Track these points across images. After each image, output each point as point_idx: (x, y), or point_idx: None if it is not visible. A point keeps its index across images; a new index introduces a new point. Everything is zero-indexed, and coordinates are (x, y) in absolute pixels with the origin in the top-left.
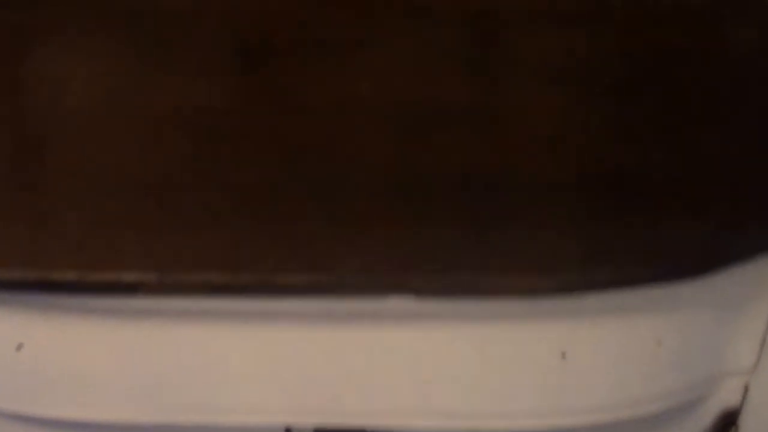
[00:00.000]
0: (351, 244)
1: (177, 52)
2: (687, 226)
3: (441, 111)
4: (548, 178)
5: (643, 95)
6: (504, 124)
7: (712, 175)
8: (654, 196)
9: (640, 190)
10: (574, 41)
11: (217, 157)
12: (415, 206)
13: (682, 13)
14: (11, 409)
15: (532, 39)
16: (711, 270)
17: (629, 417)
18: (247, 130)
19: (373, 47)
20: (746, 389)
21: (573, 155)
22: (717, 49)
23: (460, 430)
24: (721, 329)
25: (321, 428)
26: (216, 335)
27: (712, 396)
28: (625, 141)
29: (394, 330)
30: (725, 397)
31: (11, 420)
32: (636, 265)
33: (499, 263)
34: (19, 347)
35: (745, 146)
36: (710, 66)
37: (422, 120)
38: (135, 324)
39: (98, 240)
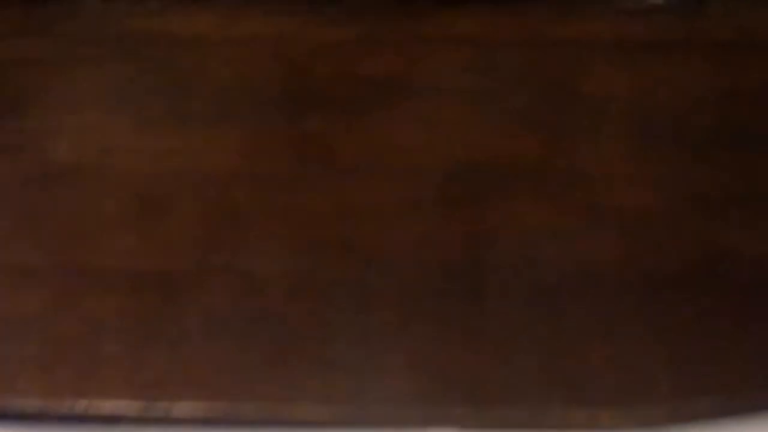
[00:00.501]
0: (379, 368)
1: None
2: None
3: (496, 176)
4: (627, 272)
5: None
6: (572, 194)
7: None
8: None
9: (757, 285)
10: (663, 78)
11: (223, 244)
12: (463, 316)
13: None
14: None
15: (610, 76)
16: None
17: None
18: (266, 202)
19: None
20: None
21: (660, 238)
22: None
23: None
24: None
25: None
26: None
27: None
28: (735, 217)
29: None
30: None
31: None
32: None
33: (564, 395)
34: None
35: None
36: None
37: (475, 186)
38: None
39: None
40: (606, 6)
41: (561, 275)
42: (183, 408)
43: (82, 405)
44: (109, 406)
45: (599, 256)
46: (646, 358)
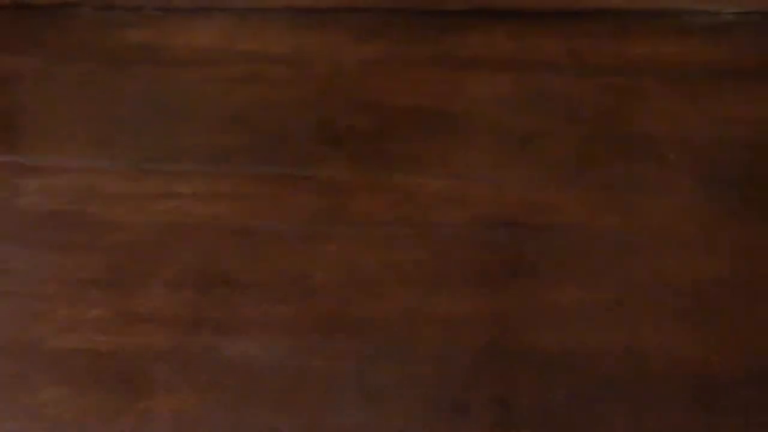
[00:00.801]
0: None
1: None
2: None
3: (534, 238)
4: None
5: None
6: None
7: None
8: None
9: None
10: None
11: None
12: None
13: None
14: None
15: (672, 111)
16: None
17: None
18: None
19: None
20: None
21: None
22: None
23: None
24: None
25: None
26: None
27: None
28: None
29: None
30: None
31: None
32: None
33: None
34: None
35: None
36: None
37: (508, 252)
38: None
39: None
40: (671, 21)
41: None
42: None
43: None
44: None
45: (660, 347)
46: None
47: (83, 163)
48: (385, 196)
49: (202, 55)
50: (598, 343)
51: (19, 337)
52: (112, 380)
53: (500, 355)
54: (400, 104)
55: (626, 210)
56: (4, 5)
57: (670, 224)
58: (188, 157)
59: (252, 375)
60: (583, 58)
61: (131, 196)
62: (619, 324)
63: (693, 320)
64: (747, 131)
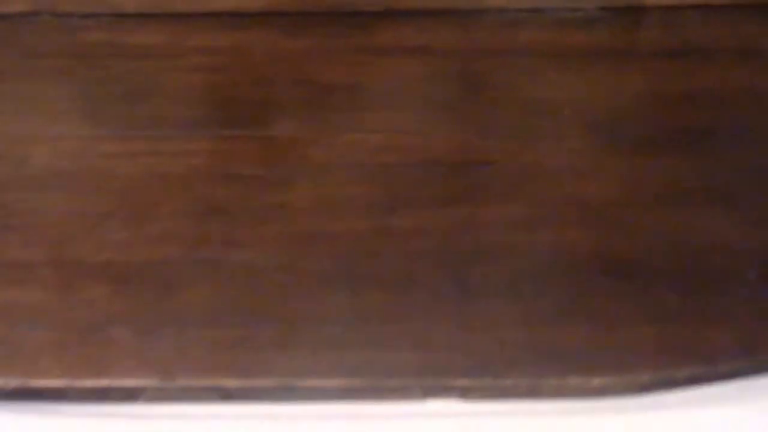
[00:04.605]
0: (379, 345)
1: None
2: None
3: (467, 174)
4: (600, 258)
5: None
6: (542, 189)
7: None
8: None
9: (718, 266)
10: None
11: (217, 234)
12: (452, 299)
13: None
14: None
15: (560, 83)
16: None
17: None
18: (251, 198)
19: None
20: None
21: (632, 227)
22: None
23: None
24: None
25: None
26: None
27: None
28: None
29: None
30: None
31: None
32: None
33: (557, 366)
34: None
35: None
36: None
37: (450, 184)
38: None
39: (87, 340)
40: (548, 16)
41: (538, 262)
42: (201, 382)
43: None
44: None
45: (571, 244)
46: (629, 331)
47: (77, 132)
48: (336, 147)
49: (156, 50)
50: (519, 242)
51: (60, 257)
52: (145, 281)
53: (451, 251)
54: (334, 81)
55: (531, 152)
56: None
57: (567, 160)
58: (165, 125)
59: (251, 275)
60: (480, 44)
61: (123, 154)
62: (536, 229)
63: (589, 226)
64: (619, 95)
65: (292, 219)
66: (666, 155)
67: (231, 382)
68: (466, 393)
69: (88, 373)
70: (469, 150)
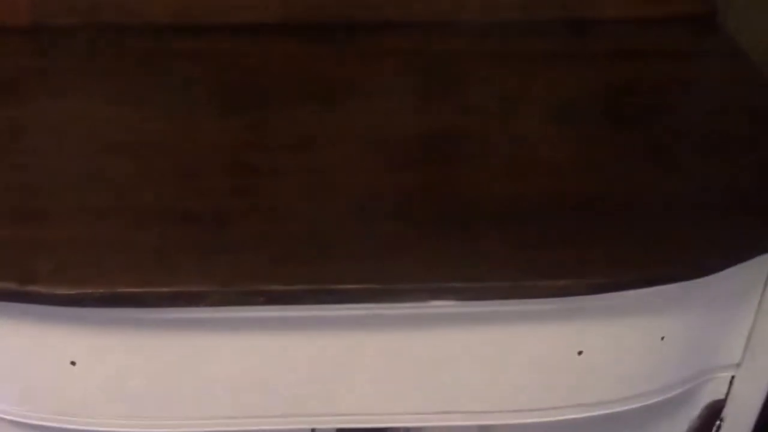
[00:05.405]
0: (397, 259)
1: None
2: (697, 235)
3: (452, 142)
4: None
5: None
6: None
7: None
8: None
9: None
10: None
11: (255, 188)
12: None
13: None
14: (58, 423)
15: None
16: (722, 268)
17: (631, 410)
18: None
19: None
20: (732, 383)
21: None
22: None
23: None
24: (716, 326)
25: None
26: (277, 343)
27: (702, 389)
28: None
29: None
30: (713, 390)
31: None
32: (659, 267)
33: (536, 271)
34: (73, 363)
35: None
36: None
37: (439, 149)
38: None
39: (160, 262)
40: (464, 26)
41: (514, 202)
42: (252, 287)
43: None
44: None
45: (539, 188)
46: (586, 244)
47: (137, 114)
48: (343, 125)
49: (194, 54)
50: (497, 188)
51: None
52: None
53: (443, 198)
54: (341, 77)
55: (501, 126)
56: None
57: (531, 131)
58: (204, 109)
59: (284, 215)
60: (456, 48)
61: (173, 130)
62: (513, 179)
63: (554, 177)
64: (571, 85)
65: (314, 174)
66: (609, 128)
67: (276, 288)
68: (460, 294)
69: (160, 283)
70: (450, 126)
